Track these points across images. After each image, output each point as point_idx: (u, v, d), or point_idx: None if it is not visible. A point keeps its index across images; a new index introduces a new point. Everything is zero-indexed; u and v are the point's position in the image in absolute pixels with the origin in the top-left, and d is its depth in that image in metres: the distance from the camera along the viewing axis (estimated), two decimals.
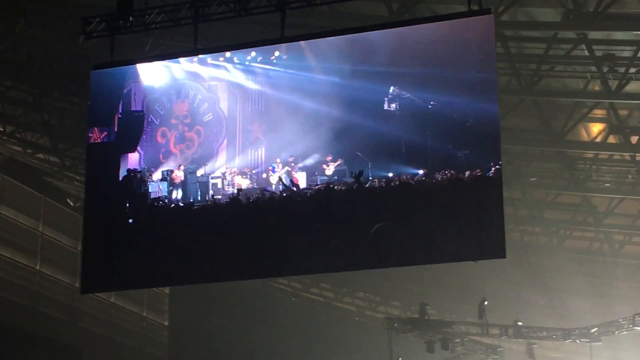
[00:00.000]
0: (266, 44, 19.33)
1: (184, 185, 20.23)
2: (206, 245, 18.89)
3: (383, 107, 18.71)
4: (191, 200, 20.10)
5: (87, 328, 34.62)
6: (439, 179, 17.65)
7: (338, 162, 19.10)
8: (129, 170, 19.90)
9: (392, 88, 18.70)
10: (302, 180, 19.44)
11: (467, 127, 17.59)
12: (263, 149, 19.86)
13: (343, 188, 18.42)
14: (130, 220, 19.79)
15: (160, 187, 20.29)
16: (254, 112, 20.18)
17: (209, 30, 20.18)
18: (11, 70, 26.99)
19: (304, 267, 19.01)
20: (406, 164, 18.36)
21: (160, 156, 20.59)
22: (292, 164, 19.44)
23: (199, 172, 20.26)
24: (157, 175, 20.26)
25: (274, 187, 19.49)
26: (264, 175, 19.76)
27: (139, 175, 20.11)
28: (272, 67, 19.85)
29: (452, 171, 17.59)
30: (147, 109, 20.52)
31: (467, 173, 17.33)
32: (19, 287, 32.23)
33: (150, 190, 20.18)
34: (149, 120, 20.56)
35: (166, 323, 39.60)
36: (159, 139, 20.64)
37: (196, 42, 18.70)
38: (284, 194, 19.04)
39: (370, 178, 18.45)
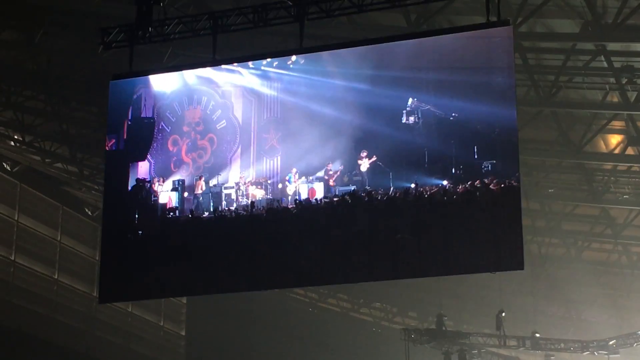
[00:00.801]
0: (285, 54, 19.10)
1: (195, 195, 19.73)
2: (222, 256, 18.62)
3: (401, 120, 18.23)
4: (203, 212, 19.55)
5: (105, 337, 34.68)
6: (459, 190, 17.31)
7: (373, 159, 18.38)
8: (137, 180, 19.59)
9: (410, 100, 18.21)
10: (319, 191, 18.90)
11: (493, 137, 17.26)
12: (279, 158, 19.26)
13: (365, 199, 18.05)
14: (140, 232, 19.42)
15: (171, 197, 19.74)
16: (269, 119, 19.52)
17: (227, 40, 20.19)
18: (30, 80, 27.10)
19: (322, 277, 18.74)
20: (429, 174, 17.79)
21: (172, 165, 20.00)
22: (331, 172, 18.79)
23: (212, 182, 19.69)
24: (167, 185, 19.75)
25: (290, 198, 18.97)
26: (280, 186, 19.16)
27: (148, 185, 19.70)
28: (289, 72, 19.34)
29: (474, 182, 17.21)
30: (158, 115, 20.05)
31: (492, 184, 17.01)
32: (37, 296, 32.32)
33: (160, 201, 19.74)
34: (160, 127, 20.07)
35: (183, 333, 39.64)
36: (170, 147, 20.09)
37: (215, 52, 18.74)
38: (301, 205, 18.64)
39: (392, 188, 17.99)
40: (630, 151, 26.70)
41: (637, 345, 31.48)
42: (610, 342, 32.02)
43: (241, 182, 19.49)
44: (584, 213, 31.59)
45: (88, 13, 23.07)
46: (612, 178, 28.83)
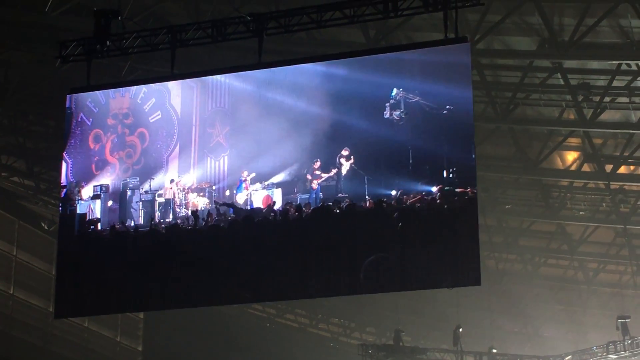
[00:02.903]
0: (244, 69, 17.91)
1: (122, 204, 16.67)
2: (177, 270, 16.35)
3: (383, 114, 15.53)
4: (132, 224, 16.67)
5: (61, 353, 34.32)
6: (417, 203, 15.40)
7: (352, 160, 15.75)
8: None
9: (395, 90, 15.57)
10: (277, 198, 16.28)
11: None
12: (226, 158, 16.61)
13: (320, 211, 15.74)
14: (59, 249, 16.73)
15: (92, 206, 16.74)
16: (215, 110, 16.85)
17: (185, 55, 20.11)
18: None
19: (278, 293, 16.91)
20: (414, 178, 15.26)
21: (93, 167, 17.08)
22: (317, 172, 15.83)
23: (143, 188, 16.93)
24: (87, 192, 16.88)
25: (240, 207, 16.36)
26: (227, 193, 16.49)
27: (63, 192, 17.06)
28: None
29: (436, 194, 15.00)
30: (76, 105, 17.59)
31: (454, 195, 15.08)
32: None
33: (78, 212, 16.84)
34: (79, 119, 17.40)
35: (140, 348, 39.31)
36: (92, 145, 17.26)
37: (173, 67, 18.64)
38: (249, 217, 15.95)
39: (367, 197, 15.56)
40: (586, 168, 26.91)
41: None
42: (567, 358, 32.11)
43: (179, 188, 16.80)
44: (541, 229, 31.78)
45: (46, 26, 22.92)
46: (569, 194, 29.03)
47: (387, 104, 15.66)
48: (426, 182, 15.35)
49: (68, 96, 18.04)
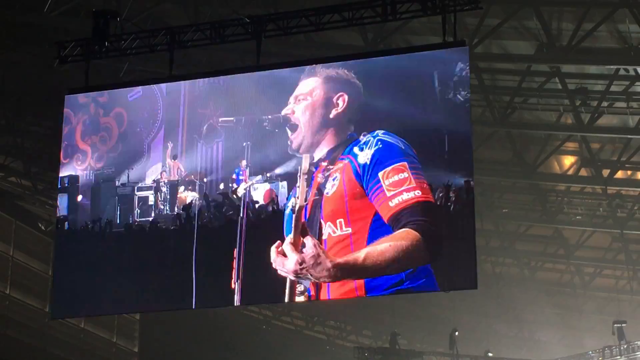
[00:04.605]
0: (242, 71, 17.00)
1: (95, 199, 14.28)
2: (156, 273, 14.60)
3: (446, 94, 13.13)
4: (105, 223, 14.25)
5: (57, 354, 34.31)
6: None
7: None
8: None
9: (459, 65, 13.36)
10: (283, 193, 13.98)
11: None
12: (220, 144, 14.28)
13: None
14: None
15: (58, 202, 14.50)
16: (207, 86, 14.86)
17: (184, 56, 20.10)
18: None
19: (272, 296, 15.05)
20: (450, 169, 12.94)
21: (61, 154, 14.96)
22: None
23: (120, 180, 14.47)
24: None
25: (239, 204, 13.97)
26: (222, 186, 14.05)
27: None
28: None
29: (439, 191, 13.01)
30: None
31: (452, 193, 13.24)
32: None
33: None
34: None
35: (136, 349, 39.32)
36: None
37: (171, 68, 18.64)
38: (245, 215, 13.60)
39: None
40: (583, 172, 26.96)
41: None
42: None
43: (164, 180, 14.39)
44: (538, 233, 31.82)
45: (44, 27, 22.94)
46: (566, 199, 29.06)
47: (451, 82, 13.31)
48: (465, 174, 13.39)
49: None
